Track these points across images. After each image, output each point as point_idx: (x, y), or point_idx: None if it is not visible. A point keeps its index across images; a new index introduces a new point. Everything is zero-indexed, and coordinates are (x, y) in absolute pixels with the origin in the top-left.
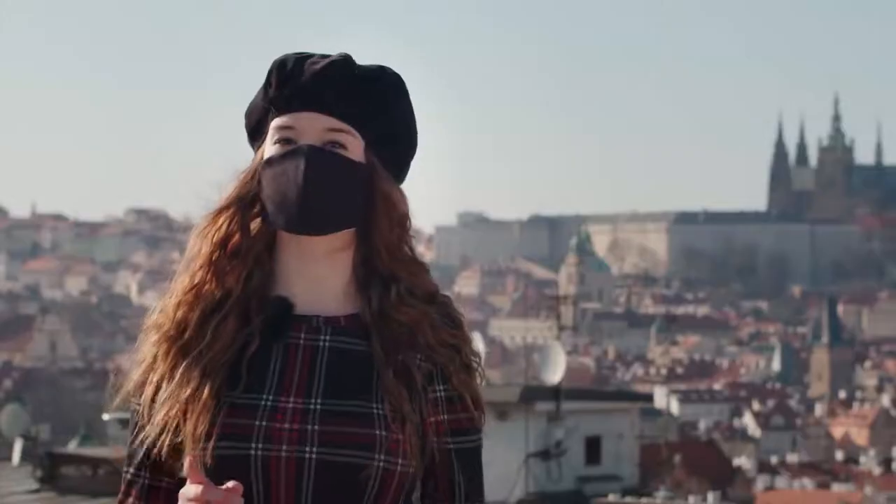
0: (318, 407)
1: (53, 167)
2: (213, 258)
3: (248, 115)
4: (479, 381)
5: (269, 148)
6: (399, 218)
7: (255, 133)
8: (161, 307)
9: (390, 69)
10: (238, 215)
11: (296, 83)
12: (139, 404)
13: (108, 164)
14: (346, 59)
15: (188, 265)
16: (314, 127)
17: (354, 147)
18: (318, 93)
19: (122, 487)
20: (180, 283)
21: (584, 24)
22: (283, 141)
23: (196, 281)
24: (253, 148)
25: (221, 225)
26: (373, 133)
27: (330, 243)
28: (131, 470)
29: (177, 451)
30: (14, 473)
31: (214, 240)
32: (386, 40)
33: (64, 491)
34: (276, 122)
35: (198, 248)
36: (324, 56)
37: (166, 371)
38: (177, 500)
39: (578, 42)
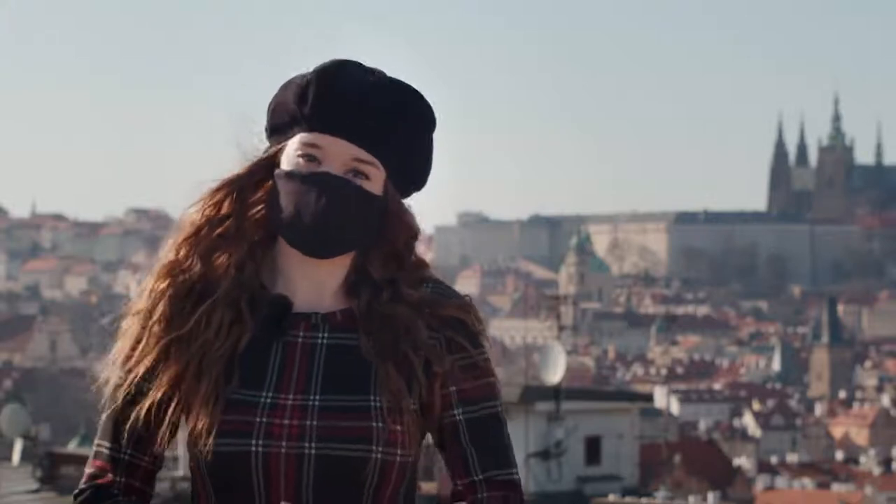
0: (317, 403)
1: (53, 167)
2: (201, 233)
3: (273, 111)
4: (486, 347)
5: (292, 159)
6: (410, 237)
7: (276, 130)
8: (147, 277)
9: (422, 100)
10: (235, 197)
11: (333, 106)
12: (124, 380)
13: (108, 164)
14: (384, 87)
15: (176, 235)
16: (342, 154)
17: (376, 178)
18: (352, 122)
19: (97, 461)
20: (165, 255)
21: (584, 24)
22: (307, 157)
23: (180, 254)
24: (269, 139)
25: (217, 202)
26: (396, 164)
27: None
28: (108, 444)
29: (159, 428)
30: (14, 473)
31: (207, 214)
32: (386, 40)
33: (64, 491)
34: (303, 137)
35: (189, 219)
36: (364, 72)
37: (157, 352)
38: (152, 480)
39: (578, 42)
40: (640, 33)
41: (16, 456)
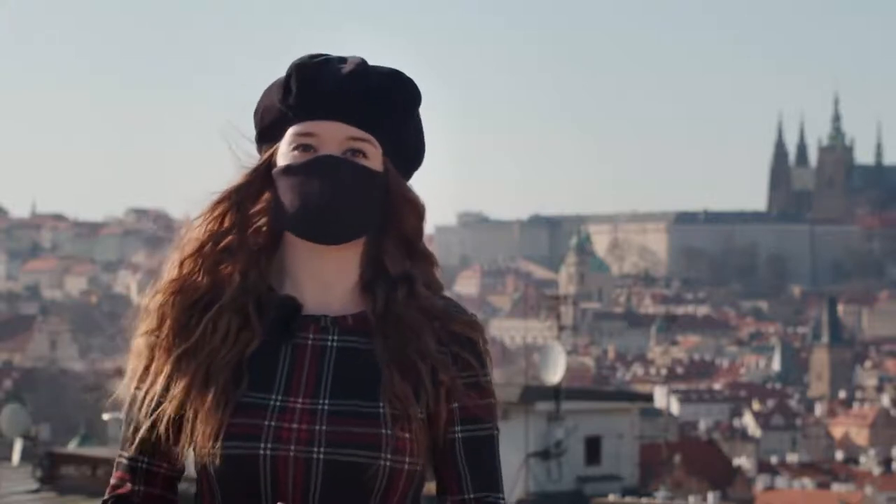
0: (326, 407)
1: (53, 167)
2: (205, 249)
3: (260, 115)
4: (489, 368)
5: (287, 154)
6: (417, 216)
7: (266, 134)
8: (152, 294)
9: (406, 75)
10: (236, 209)
11: (318, 91)
12: (139, 392)
13: (108, 164)
14: (366, 67)
15: (180, 252)
16: (336, 136)
17: (374, 156)
18: (341, 102)
19: (118, 472)
20: (169, 272)
21: (583, 24)
22: (302, 147)
23: (185, 271)
24: (259, 147)
25: (219, 216)
26: (391, 141)
27: (342, 245)
28: (127, 455)
29: (178, 438)
30: (14, 473)
31: (209, 229)
32: (386, 40)
33: (64, 491)
34: (295, 129)
35: (192, 234)
36: (341, 59)
37: (169, 363)
38: (174, 486)
39: (578, 42)
40: (640, 33)
41: (16, 456)
